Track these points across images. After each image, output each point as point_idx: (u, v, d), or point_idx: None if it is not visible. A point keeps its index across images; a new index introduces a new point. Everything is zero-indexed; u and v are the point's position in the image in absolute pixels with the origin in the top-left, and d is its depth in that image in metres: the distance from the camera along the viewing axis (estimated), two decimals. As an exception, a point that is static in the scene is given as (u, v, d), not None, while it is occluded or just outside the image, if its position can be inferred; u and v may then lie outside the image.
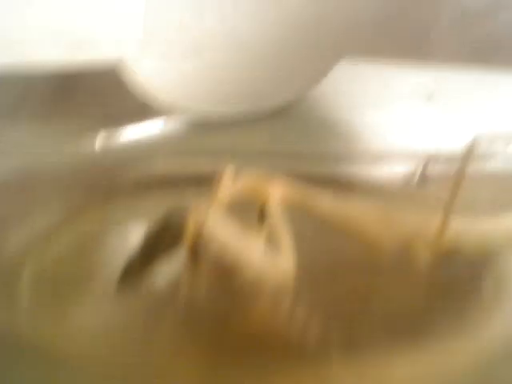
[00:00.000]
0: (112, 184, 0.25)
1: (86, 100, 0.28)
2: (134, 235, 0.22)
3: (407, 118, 0.28)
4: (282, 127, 0.29)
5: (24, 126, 0.26)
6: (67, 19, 0.26)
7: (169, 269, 0.18)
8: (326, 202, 0.20)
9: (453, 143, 0.27)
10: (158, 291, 0.19)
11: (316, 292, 0.19)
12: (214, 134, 0.29)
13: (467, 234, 0.19)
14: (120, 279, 0.18)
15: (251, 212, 0.19)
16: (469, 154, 0.19)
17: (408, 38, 0.29)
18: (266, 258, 0.18)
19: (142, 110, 0.28)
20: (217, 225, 0.17)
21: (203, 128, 0.29)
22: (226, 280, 0.17)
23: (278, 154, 0.27)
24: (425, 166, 0.27)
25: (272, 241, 0.18)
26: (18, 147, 0.25)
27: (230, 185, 0.20)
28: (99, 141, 0.28)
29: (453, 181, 0.19)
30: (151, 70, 0.28)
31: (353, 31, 0.29)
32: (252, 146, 0.27)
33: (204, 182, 0.21)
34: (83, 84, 0.27)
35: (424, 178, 0.26)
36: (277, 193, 0.19)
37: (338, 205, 0.20)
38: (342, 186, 0.25)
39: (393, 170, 0.27)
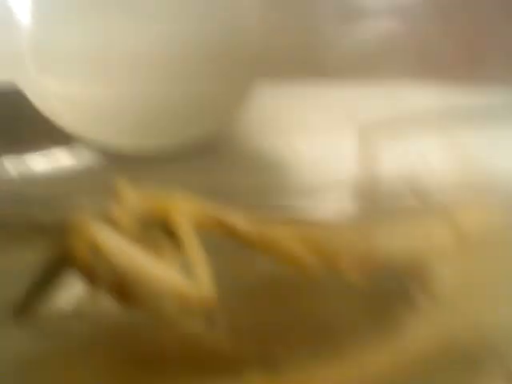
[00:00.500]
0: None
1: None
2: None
3: (334, 143, 0.27)
4: (206, 162, 0.27)
5: None
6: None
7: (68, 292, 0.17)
8: (242, 222, 0.18)
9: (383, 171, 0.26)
10: (60, 314, 0.17)
11: (234, 311, 0.17)
12: (132, 169, 0.26)
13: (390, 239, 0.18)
14: (16, 309, 0.16)
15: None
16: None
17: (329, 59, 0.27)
18: (182, 277, 0.16)
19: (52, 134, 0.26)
20: (109, 236, 0.16)
21: (121, 162, 0.26)
22: (130, 295, 0.15)
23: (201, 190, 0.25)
24: (358, 198, 0.26)
25: (184, 260, 0.16)
26: None
27: (128, 199, 0.17)
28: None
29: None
30: (49, 95, 0.25)
31: (266, 55, 0.27)
32: (176, 183, 0.25)
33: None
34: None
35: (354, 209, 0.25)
36: (184, 208, 0.17)
37: (255, 225, 0.18)
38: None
39: (323, 203, 0.25)
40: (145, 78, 0.26)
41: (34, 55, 0.25)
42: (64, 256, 0.16)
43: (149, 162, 0.26)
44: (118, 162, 0.26)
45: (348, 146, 0.26)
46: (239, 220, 0.18)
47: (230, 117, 0.27)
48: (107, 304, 0.16)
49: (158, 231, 0.17)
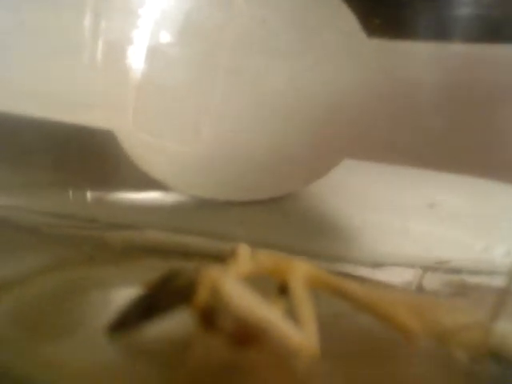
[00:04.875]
0: (99, 244, 0.24)
1: (81, 156, 0.26)
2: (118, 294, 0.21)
3: (407, 224, 0.27)
4: (278, 217, 0.28)
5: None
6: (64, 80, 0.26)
7: (171, 326, 0.17)
8: (354, 285, 0.18)
9: (453, 253, 0.26)
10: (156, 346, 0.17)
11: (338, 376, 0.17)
12: (210, 214, 0.27)
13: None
14: (113, 328, 0.17)
15: (268, 290, 0.18)
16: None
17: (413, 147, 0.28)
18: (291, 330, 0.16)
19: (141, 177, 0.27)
20: (235, 287, 0.16)
21: (199, 206, 0.27)
22: (245, 346, 0.16)
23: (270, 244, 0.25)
24: (421, 277, 0.26)
25: (293, 318, 0.17)
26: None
27: (247, 259, 0.18)
28: (91, 199, 0.26)
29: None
30: (142, 146, 0.27)
31: (358, 135, 0.28)
32: (245, 232, 0.26)
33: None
34: (80, 140, 0.26)
35: (420, 289, 0.25)
36: (299, 271, 0.18)
37: (367, 289, 0.18)
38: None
39: (389, 278, 0.25)
40: (238, 136, 0.27)
41: (137, 110, 0.26)
42: (177, 292, 0.16)
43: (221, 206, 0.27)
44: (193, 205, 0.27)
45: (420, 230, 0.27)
46: (353, 286, 0.18)
47: (315, 179, 0.28)
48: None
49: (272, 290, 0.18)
